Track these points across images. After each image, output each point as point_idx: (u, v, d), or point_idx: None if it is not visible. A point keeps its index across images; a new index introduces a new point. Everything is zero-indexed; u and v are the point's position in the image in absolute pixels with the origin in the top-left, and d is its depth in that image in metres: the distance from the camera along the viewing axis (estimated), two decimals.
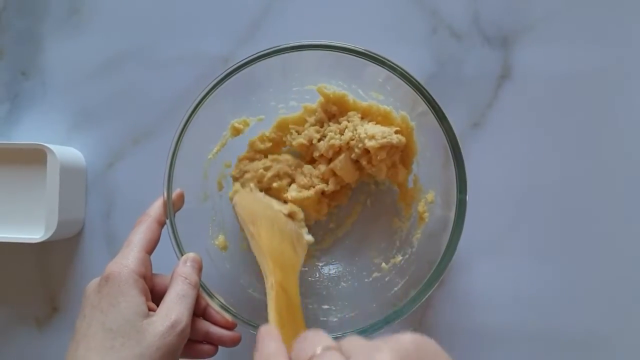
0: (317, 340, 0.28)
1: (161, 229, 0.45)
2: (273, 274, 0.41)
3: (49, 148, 0.55)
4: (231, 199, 0.51)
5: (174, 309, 0.40)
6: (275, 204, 0.50)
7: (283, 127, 0.53)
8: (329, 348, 0.27)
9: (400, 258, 0.51)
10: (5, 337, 0.60)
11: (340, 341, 0.28)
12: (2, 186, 0.58)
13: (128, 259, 0.41)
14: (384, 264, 0.52)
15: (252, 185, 0.51)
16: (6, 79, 0.62)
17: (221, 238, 0.52)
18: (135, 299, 0.39)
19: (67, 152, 0.57)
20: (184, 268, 0.43)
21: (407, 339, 0.26)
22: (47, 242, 0.55)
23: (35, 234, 0.56)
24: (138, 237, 0.43)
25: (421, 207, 0.50)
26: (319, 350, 0.27)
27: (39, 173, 0.57)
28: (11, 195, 0.58)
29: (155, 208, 0.45)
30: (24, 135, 0.61)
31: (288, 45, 0.45)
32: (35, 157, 0.56)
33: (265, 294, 0.40)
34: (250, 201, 0.50)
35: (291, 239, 0.48)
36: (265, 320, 0.37)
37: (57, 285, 0.60)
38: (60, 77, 0.61)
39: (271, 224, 0.47)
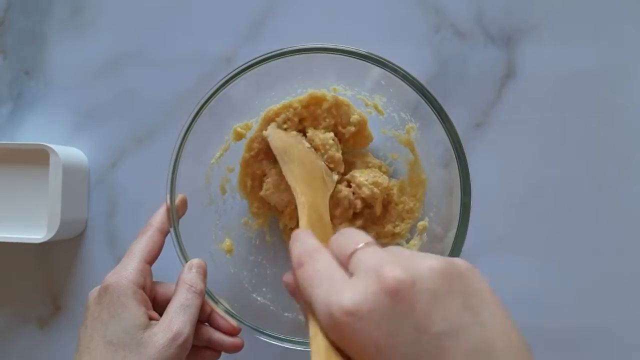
0: (357, 236, 0.29)
1: (164, 238, 0.44)
2: (304, 194, 0.43)
3: (51, 148, 0.55)
4: (266, 135, 0.51)
5: (176, 320, 0.39)
6: (306, 143, 0.52)
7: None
8: (371, 243, 0.28)
9: None
10: (8, 337, 0.60)
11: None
12: (5, 186, 0.58)
13: (127, 270, 0.41)
14: None
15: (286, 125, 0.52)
16: (9, 78, 0.61)
17: (227, 242, 0.52)
18: (134, 311, 0.39)
19: (69, 152, 0.57)
20: (189, 275, 0.43)
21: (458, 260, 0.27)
22: (49, 242, 0.55)
23: (37, 234, 0.56)
24: (139, 248, 0.43)
25: (421, 225, 0.50)
26: (360, 245, 0.28)
27: (42, 173, 0.56)
28: (14, 195, 0.58)
29: (158, 217, 0.45)
30: (27, 135, 0.61)
31: (290, 49, 0.45)
32: (38, 157, 0.56)
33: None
34: (283, 135, 0.51)
35: (321, 170, 0.49)
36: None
37: (60, 285, 0.60)
38: (63, 77, 0.61)
39: (303, 153, 0.49)
